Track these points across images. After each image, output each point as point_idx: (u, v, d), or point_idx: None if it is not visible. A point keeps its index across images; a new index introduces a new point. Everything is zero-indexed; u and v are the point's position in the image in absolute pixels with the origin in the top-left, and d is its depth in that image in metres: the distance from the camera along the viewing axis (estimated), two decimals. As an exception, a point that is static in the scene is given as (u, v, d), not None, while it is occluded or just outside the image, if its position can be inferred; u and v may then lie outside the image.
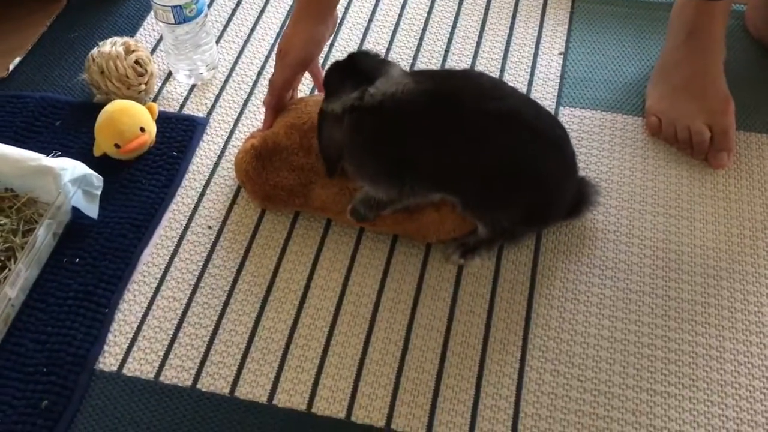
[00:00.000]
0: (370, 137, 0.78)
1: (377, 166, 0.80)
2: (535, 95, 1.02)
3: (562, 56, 1.07)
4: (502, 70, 1.05)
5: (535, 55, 1.07)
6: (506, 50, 1.08)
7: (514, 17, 1.12)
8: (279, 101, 0.91)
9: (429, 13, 1.13)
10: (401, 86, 0.77)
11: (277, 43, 0.89)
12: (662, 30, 1.06)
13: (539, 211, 0.83)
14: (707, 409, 0.76)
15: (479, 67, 1.06)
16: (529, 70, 1.05)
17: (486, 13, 1.13)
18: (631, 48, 1.08)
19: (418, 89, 0.77)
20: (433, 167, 0.78)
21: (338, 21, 0.95)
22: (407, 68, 1.05)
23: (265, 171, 0.88)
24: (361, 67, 0.80)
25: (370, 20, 1.13)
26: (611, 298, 0.84)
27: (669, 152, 0.96)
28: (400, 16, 1.13)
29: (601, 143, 0.97)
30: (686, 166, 0.95)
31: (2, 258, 0.84)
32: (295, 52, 0.87)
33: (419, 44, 1.09)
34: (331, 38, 0.99)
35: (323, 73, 0.85)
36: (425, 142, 0.77)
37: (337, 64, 0.83)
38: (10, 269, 0.82)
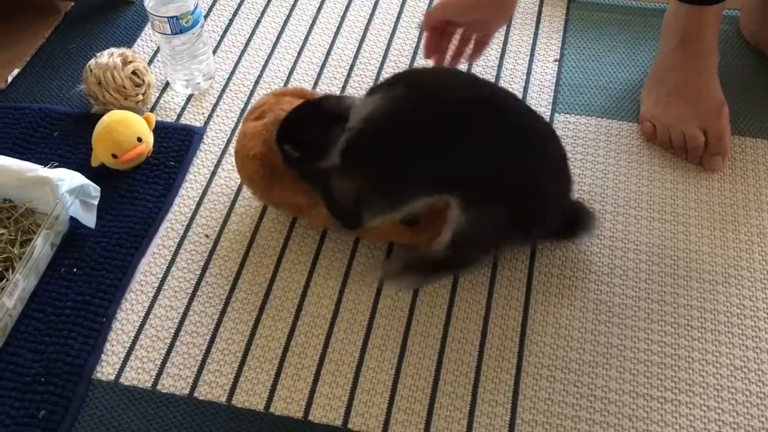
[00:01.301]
0: (370, 164, 0.77)
1: (372, 185, 0.79)
2: (531, 102, 1.03)
3: (557, 63, 1.08)
4: (498, 77, 1.06)
5: (530, 62, 1.08)
6: (501, 57, 1.09)
7: (509, 24, 1.13)
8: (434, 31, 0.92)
9: (424, 21, 1.14)
10: (370, 106, 0.76)
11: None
12: (656, 36, 1.06)
13: (527, 214, 0.79)
14: (704, 414, 0.76)
15: (474, 74, 1.06)
16: (524, 77, 1.06)
17: (481, 21, 1.14)
18: (626, 54, 1.09)
19: (390, 100, 0.76)
20: (429, 166, 0.76)
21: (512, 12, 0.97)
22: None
23: (271, 182, 0.86)
24: (330, 111, 0.79)
25: (366, 29, 1.13)
26: (607, 304, 0.84)
27: (664, 158, 0.97)
28: (395, 24, 1.14)
29: (596, 149, 0.98)
30: (681, 172, 0.95)
31: (0, 268, 0.84)
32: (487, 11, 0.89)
33: (414, 52, 1.10)
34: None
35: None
36: (414, 144, 0.75)
37: (305, 120, 0.81)
38: (7, 279, 0.83)
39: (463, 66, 1.07)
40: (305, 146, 0.80)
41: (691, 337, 0.81)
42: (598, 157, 0.97)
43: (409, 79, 0.82)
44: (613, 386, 0.78)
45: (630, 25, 1.12)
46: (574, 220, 0.85)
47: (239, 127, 0.90)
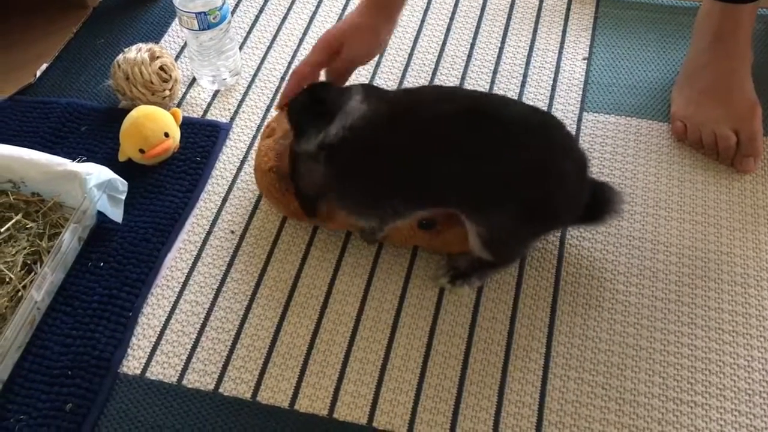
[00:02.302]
0: (342, 172, 0.78)
1: (355, 197, 0.80)
2: (559, 101, 1.01)
3: (585, 61, 1.06)
4: (525, 75, 1.05)
5: (559, 60, 1.07)
6: (529, 55, 1.08)
7: (537, 22, 1.12)
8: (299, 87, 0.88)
9: (451, 18, 1.13)
10: (358, 115, 0.76)
11: (326, 31, 0.88)
12: (687, 35, 1.05)
13: (540, 207, 0.76)
14: (734, 419, 0.75)
15: (501, 72, 1.05)
16: (552, 75, 1.05)
17: (509, 18, 1.13)
18: (656, 53, 1.07)
19: (374, 113, 0.76)
20: (409, 183, 0.76)
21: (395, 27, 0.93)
22: (429, 74, 1.05)
23: (288, 194, 0.86)
24: (322, 100, 0.79)
25: (393, 26, 1.13)
26: (636, 306, 0.83)
27: (695, 158, 0.95)
28: (422, 21, 1.13)
29: (625, 149, 0.96)
30: (712, 172, 0.93)
31: (29, 261, 0.85)
32: (355, 46, 0.87)
33: (441, 50, 1.09)
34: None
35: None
36: (394, 161, 0.76)
37: (297, 103, 0.82)
38: (36, 272, 0.83)
39: (490, 66, 1.06)
40: (293, 128, 0.82)
41: (722, 340, 0.80)
42: (627, 157, 0.96)
43: (395, 97, 0.81)
44: (642, 389, 0.77)
45: (660, 23, 1.11)
46: (599, 202, 0.82)
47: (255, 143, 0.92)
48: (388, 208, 0.79)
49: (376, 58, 1.07)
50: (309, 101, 0.80)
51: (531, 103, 1.01)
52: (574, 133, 0.98)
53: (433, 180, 0.75)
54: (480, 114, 0.75)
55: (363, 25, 0.88)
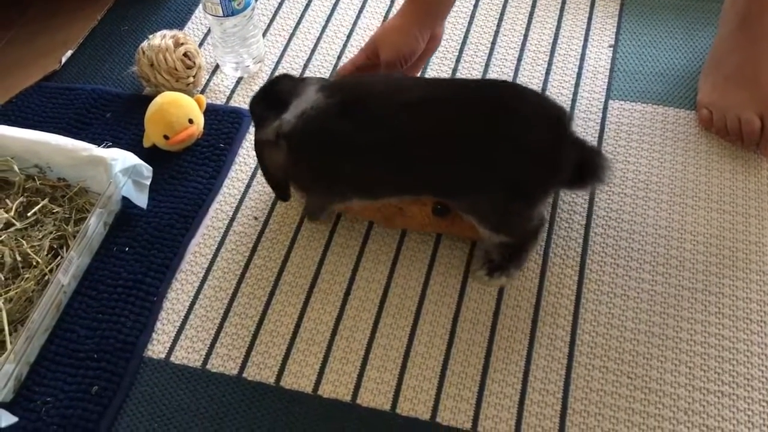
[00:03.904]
0: (295, 158, 0.79)
1: (307, 182, 0.83)
2: (584, 88, 1.00)
3: (611, 49, 1.05)
4: (550, 63, 1.04)
5: (584, 47, 1.06)
6: (554, 43, 1.06)
7: (562, 9, 1.11)
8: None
9: (475, 5, 1.12)
10: (311, 104, 0.77)
11: (373, 34, 0.90)
12: (714, 22, 1.03)
13: (519, 179, 0.75)
14: (763, 410, 0.74)
15: (526, 60, 1.04)
16: (577, 62, 1.04)
17: (534, 5, 1.12)
18: (683, 40, 1.06)
19: (327, 103, 0.77)
20: (357, 171, 0.78)
21: (440, 40, 0.94)
22: (453, 63, 1.05)
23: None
24: (280, 91, 0.81)
25: (416, 13, 1.12)
26: (662, 295, 0.82)
27: (723, 147, 0.94)
28: (446, 8, 1.12)
29: (652, 137, 0.95)
30: (741, 161, 0.92)
31: (55, 246, 0.85)
32: (385, 49, 0.87)
33: (465, 37, 1.08)
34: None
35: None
36: (342, 149, 0.77)
37: (257, 95, 0.84)
38: (62, 257, 0.84)
39: (514, 54, 1.05)
40: (253, 118, 0.85)
41: (750, 330, 0.79)
42: (654, 145, 0.94)
43: (348, 86, 0.81)
44: (668, 378, 0.76)
45: (687, 10, 1.09)
46: (588, 167, 0.79)
47: None
48: (338, 194, 0.82)
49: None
50: (266, 92, 0.83)
51: (556, 91, 1.00)
52: (599, 120, 0.97)
53: (384, 169, 0.77)
54: (431, 101, 0.75)
55: (392, 28, 0.89)
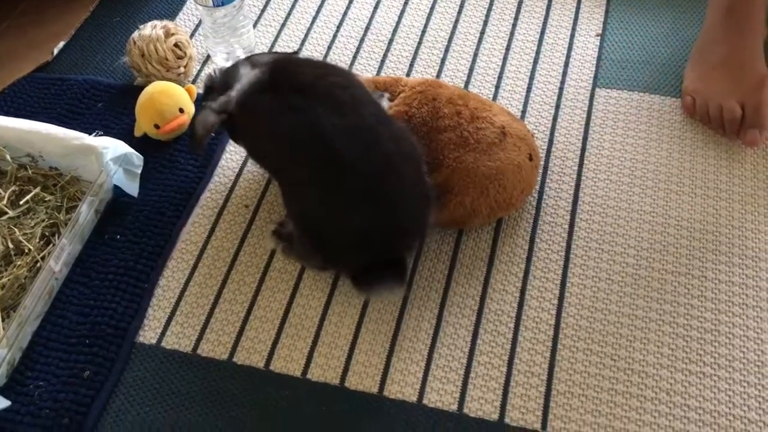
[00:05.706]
0: (235, 132, 0.85)
1: (249, 150, 0.87)
2: (572, 77, 1.01)
3: (599, 37, 1.06)
4: (538, 52, 1.05)
5: (572, 36, 1.06)
6: (542, 32, 1.07)
7: (550, -1, 1.12)
8: None
9: (464, -5, 1.13)
10: (245, 81, 0.81)
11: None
12: (701, 10, 1.04)
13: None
14: (743, 390, 0.75)
15: (514, 50, 1.05)
16: (565, 51, 1.05)
17: (522, -5, 1.13)
18: (670, 29, 1.07)
19: (256, 79, 0.80)
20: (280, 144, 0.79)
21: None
22: (441, 52, 1.06)
23: None
24: (224, 73, 0.86)
25: (405, 3, 1.13)
26: (646, 279, 0.83)
27: (707, 134, 0.95)
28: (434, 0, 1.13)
29: (637, 124, 0.96)
30: (725, 148, 0.93)
31: (47, 233, 0.86)
32: None
33: (454, 27, 1.09)
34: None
35: None
36: (262, 124, 0.79)
37: (207, 77, 0.89)
38: (54, 244, 0.85)
39: (503, 43, 1.06)
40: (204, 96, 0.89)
41: (732, 313, 0.80)
42: (639, 132, 0.95)
43: (278, 65, 0.83)
44: (650, 360, 0.77)
45: (674, 0, 1.10)
46: None
47: None
48: (269, 166, 0.85)
49: (386, 37, 1.08)
50: (214, 75, 0.87)
51: (544, 80, 1.01)
52: (586, 108, 0.98)
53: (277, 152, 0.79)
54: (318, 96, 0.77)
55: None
